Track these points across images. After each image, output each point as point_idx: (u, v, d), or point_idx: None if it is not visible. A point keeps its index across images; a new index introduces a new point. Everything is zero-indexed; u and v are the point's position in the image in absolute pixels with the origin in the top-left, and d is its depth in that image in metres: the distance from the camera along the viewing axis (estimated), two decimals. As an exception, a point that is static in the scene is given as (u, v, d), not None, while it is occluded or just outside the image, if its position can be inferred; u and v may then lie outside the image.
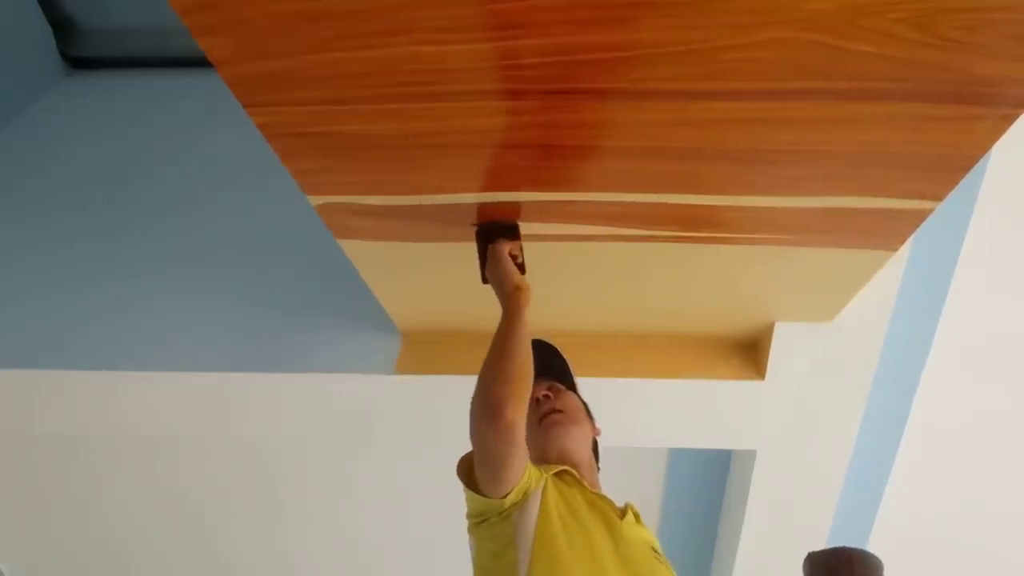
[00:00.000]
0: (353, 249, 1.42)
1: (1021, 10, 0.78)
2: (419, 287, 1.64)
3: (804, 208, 1.21)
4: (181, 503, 2.84)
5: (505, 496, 1.09)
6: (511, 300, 1.18)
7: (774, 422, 1.94)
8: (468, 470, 1.13)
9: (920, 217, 1.21)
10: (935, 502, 2.38)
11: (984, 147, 1.01)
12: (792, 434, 1.97)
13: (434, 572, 2.86)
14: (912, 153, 1.04)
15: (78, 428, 2.17)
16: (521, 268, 1.26)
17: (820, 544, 2.27)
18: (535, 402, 1.33)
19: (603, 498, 1.21)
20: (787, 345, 1.76)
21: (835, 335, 1.73)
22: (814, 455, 2.03)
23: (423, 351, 1.90)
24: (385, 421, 2.02)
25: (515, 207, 1.26)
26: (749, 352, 1.86)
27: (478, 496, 1.11)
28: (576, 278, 1.56)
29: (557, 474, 1.19)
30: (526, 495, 1.11)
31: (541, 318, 1.79)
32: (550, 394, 1.36)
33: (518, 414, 1.04)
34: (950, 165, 1.06)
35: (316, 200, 1.23)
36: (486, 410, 1.03)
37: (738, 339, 1.87)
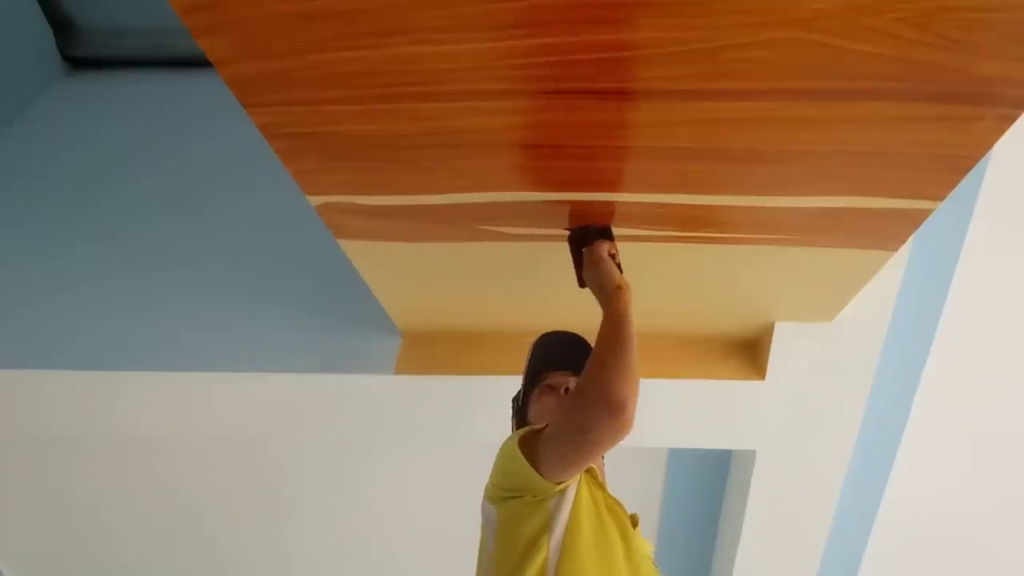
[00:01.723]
0: (353, 249, 1.42)
1: (1020, 10, 0.78)
2: (419, 287, 1.64)
3: (804, 208, 1.21)
4: (181, 503, 2.84)
5: (560, 483, 1.11)
6: (615, 299, 1.18)
7: (774, 422, 1.94)
8: (532, 445, 1.13)
9: (920, 217, 1.21)
10: (935, 502, 2.38)
11: (984, 147, 1.01)
12: (792, 434, 1.97)
13: (433, 571, 2.86)
14: (912, 153, 1.04)
15: (78, 428, 2.17)
16: (618, 268, 1.27)
17: (819, 544, 2.28)
18: (564, 391, 1.36)
19: (619, 503, 1.23)
20: (787, 345, 1.76)
21: (835, 335, 1.73)
22: (814, 455, 2.03)
23: (423, 351, 1.90)
24: (385, 421, 2.02)
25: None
26: (749, 352, 1.86)
27: (533, 474, 1.10)
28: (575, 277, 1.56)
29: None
30: (567, 485, 1.14)
31: (541, 318, 1.79)
32: None
33: (635, 413, 1.04)
34: (950, 165, 1.06)
35: (316, 200, 1.23)
36: (608, 404, 1.03)
37: (738, 339, 1.87)
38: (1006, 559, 2.58)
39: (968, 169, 1.06)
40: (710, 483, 2.52)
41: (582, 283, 1.31)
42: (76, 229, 2.32)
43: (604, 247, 1.28)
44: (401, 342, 1.91)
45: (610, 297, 1.19)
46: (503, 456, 1.21)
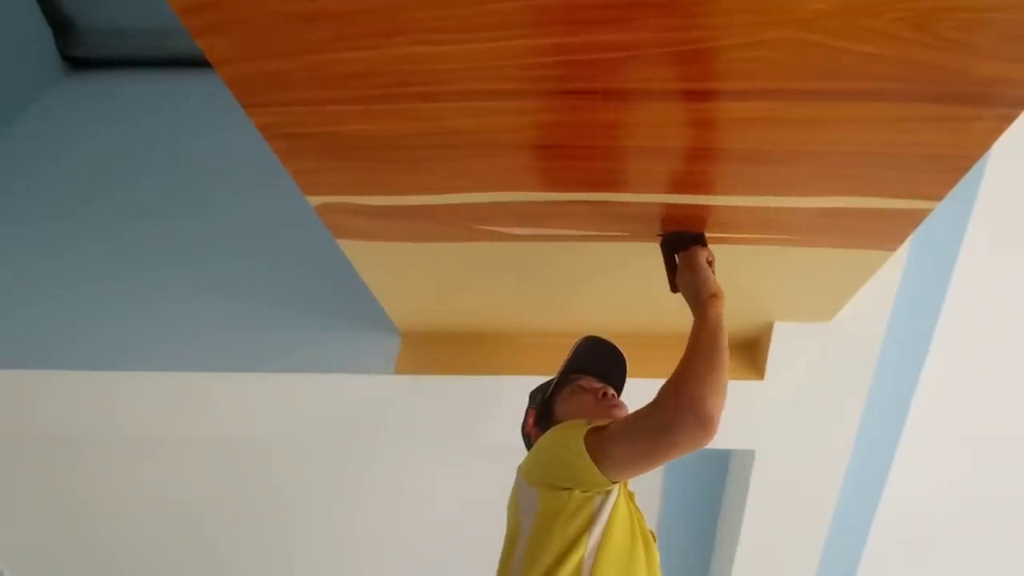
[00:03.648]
0: (353, 249, 1.42)
1: (1018, 10, 0.78)
2: (419, 287, 1.64)
3: (804, 208, 1.21)
4: (181, 503, 2.84)
5: (615, 481, 1.13)
6: (711, 307, 1.19)
7: (773, 422, 1.94)
8: (595, 440, 1.13)
9: (919, 217, 1.21)
10: (934, 502, 2.38)
11: (982, 147, 1.01)
12: (791, 434, 1.97)
13: (434, 571, 2.86)
14: (911, 153, 1.04)
15: (78, 428, 2.17)
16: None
17: (818, 544, 2.28)
18: (601, 394, 1.38)
19: (641, 515, 1.25)
20: (786, 345, 1.76)
21: (834, 335, 1.73)
22: (813, 455, 2.03)
23: (423, 351, 1.90)
24: (385, 421, 2.02)
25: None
26: (748, 352, 1.86)
27: (591, 467, 1.11)
28: (575, 277, 1.56)
29: None
30: (614, 487, 1.16)
31: (541, 317, 1.80)
32: (616, 395, 1.41)
33: (719, 425, 1.05)
34: (949, 165, 1.06)
35: (315, 200, 1.23)
36: (699, 415, 1.04)
37: (737, 339, 1.87)
38: (1005, 559, 2.58)
39: (967, 169, 1.06)
40: (709, 483, 2.52)
41: (674, 288, 1.31)
42: (76, 229, 2.32)
43: (703, 254, 1.28)
44: (401, 342, 1.91)
45: (705, 304, 1.19)
46: (555, 444, 1.21)
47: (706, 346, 1.13)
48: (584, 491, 1.14)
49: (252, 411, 2.04)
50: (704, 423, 1.03)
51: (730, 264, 1.43)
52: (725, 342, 1.14)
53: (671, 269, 1.33)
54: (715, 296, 1.20)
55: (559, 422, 1.35)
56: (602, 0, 0.80)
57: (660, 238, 1.34)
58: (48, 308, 2.07)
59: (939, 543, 2.52)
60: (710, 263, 1.29)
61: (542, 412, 1.41)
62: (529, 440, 1.43)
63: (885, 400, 2.00)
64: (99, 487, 2.80)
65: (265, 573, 3.08)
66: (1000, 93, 0.91)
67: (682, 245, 1.31)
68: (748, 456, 2.12)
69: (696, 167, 1.12)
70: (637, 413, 1.14)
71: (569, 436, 1.17)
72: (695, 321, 1.19)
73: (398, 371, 1.86)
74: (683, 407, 1.05)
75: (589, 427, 1.16)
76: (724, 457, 2.44)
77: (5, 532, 3.03)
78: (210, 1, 0.81)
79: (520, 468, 1.29)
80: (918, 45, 0.83)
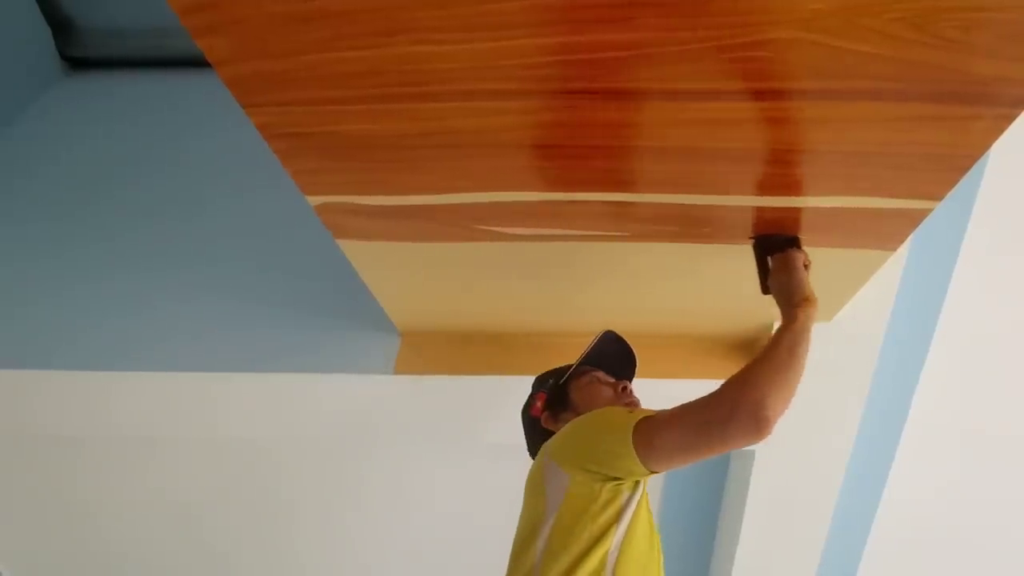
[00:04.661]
0: (352, 249, 1.42)
1: (1017, 10, 0.78)
2: (419, 287, 1.64)
3: (803, 208, 1.22)
4: (181, 503, 2.84)
5: (653, 471, 1.12)
6: (801, 311, 1.18)
7: (773, 422, 1.94)
8: (646, 427, 1.12)
9: (919, 217, 1.21)
10: (934, 502, 2.38)
11: (982, 147, 1.01)
12: (791, 434, 1.97)
13: (434, 571, 2.86)
14: (910, 153, 1.04)
15: (78, 428, 2.17)
16: None
17: (818, 544, 2.28)
18: (621, 388, 1.38)
19: (652, 515, 1.25)
20: (786, 345, 1.76)
21: (834, 335, 1.73)
22: (813, 455, 2.03)
23: (423, 351, 1.90)
24: (385, 421, 2.02)
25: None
26: (749, 352, 1.86)
27: (631, 453, 1.09)
28: (576, 277, 1.56)
29: None
30: (642, 481, 1.16)
31: (541, 316, 1.80)
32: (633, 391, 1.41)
33: (773, 430, 1.05)
34: (948, 165, 1.06)
35: (315, 200, 1.23)
36: (757, 417, 1.03)
37: (737, 339, 1.87)
38: (1005, 559, 2.58)
39: (967, 169, 1.06)
40: (709, 483, 2.52)
41: (765, 290, 1.31)
42: (76, 229, 2.31)
43: (799, 257, 1.27)
44: (401, 342, 1.91)
45: (797, 307, 1.19)
46: (600, 427, 1.19)
47: (784, 348, 1.12)
48: (618, 482, 1.13)
49: (252, 411, 2.04)
50: (761, 424, 1.03)
51: (731, 264, 1.43)
52: (805, 348, 1.13)
53: (763, 271, 1.31)
54: (808, 300, 1.19)
55: (575, 408, 1.35)
56: (602, 0, 0.80)
57: (752, 240, 1.33)
58: (47, 308, 2.07)
59: (939, 543, 2.52)
60: (806, 266, 1.27)
61: (555, 397, 1.40)
62: (535, 423, 1.42)
63: (885, 400, 2.00)
64: (99, 487, 2.80)
65: (265, 573, 3.08)
66: (999, 93, 0.91)
67: (777, 247, 1.29)
68: (748, 456, 2.12)
69: (695, 167, 1.12)
70: (694, 403, 1.12)
71: (617, 423, 1.15)
72: (782, 323, 1.19)
73: (398, 371, 1.86)
74: (743, 404, 1.04)
75: (640, 416, 1.14)
76: (724, 457, 2.44)
77: (5, 532, 3.03)
78: (209, 1, 0.81)
79: (548, 449, 1.25)
80: (917, 45, 0.83)
